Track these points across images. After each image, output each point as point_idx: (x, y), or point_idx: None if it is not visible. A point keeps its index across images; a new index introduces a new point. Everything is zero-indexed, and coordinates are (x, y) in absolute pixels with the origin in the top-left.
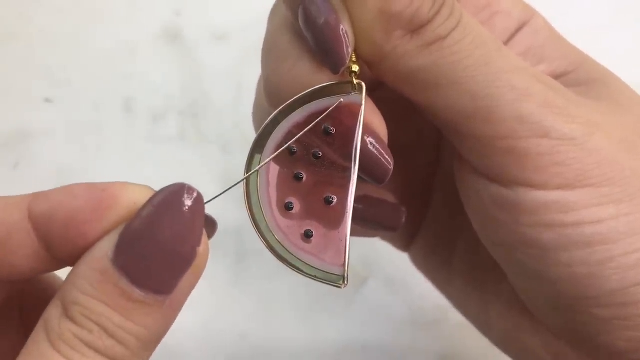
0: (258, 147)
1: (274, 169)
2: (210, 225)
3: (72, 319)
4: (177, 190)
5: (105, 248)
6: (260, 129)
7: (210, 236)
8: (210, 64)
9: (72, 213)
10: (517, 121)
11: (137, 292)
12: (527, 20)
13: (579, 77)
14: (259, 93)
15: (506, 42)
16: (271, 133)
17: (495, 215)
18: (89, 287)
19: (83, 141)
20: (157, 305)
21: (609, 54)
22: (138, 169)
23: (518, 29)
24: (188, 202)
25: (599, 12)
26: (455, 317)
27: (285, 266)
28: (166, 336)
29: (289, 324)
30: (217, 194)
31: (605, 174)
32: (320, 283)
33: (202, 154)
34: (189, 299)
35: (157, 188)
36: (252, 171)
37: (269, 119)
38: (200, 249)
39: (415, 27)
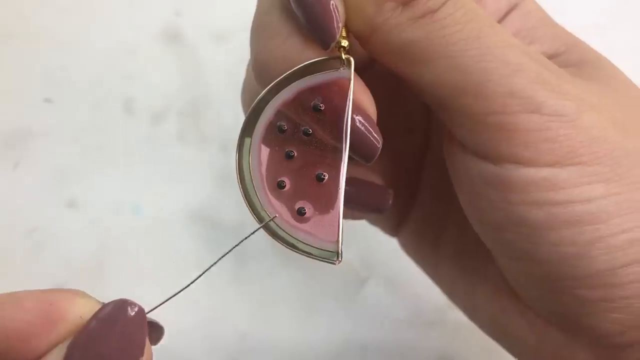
0: (248, 128)
1: (265, 148)
2: (157, 330)
3: None
4: (120, 306)
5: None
6: (250, 109)
7: (157, 340)
8: (210, 64)
9: (21, 327)
10: (508, 96)
11: None
12: (517, 2)
13: (571, 58)
14: (248, 74)
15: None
16: (261, 112)
17: (484, 194)
18: None
19: (83, 141)
20: None
21: (607, 53)
22: (138, 169)
23: (508, 11)
24: (130, 316)
25: (596, 12)
26: (454, 317)
27: (280, 244)
28: (166, 337)
29: (288, 324)
30: (162, 302)
31: (595, 152)
32: (315, 260)
33: (202, 153)
34: (189, 298)
35: (158, 188)
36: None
37: (257, 98)
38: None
39: None
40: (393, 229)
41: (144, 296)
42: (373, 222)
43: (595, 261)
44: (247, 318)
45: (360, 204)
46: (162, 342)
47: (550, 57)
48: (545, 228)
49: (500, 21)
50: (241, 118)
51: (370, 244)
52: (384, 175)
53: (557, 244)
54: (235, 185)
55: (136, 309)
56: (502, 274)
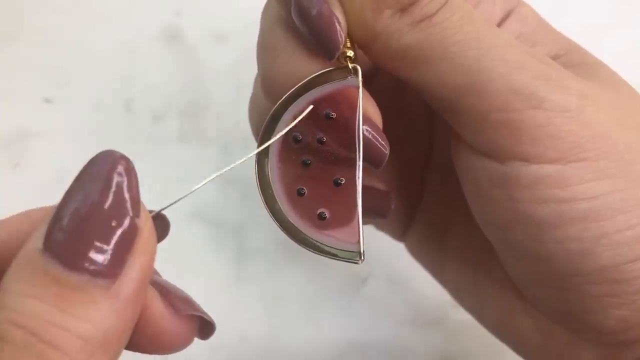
0: (264, 141)
1: (282, 159)
2: (161, 220)
3: None
4: (101, 158)
5: (34, 240)
6: (264, 124)
7: (161, 236)
8: (210, 64)
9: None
10: (510, 93)
11: (73, 276)
12: (512, 8)
13: (571, 59)
14: (256, 90)
15: None
16: (274, 128)
17: (491, 193)
18: (14, 284)
19: (83, 141)
20: (100, 293)
21: (609, 54)
22: (138, 169)
23: (504, 17)
24: (113, 169)
25: (599, 11)
26: (455, 316)
27: (304, 249)
28: None
29: (289, 324)
30: (177, 199)
31: (599, 147)
32: (338, 261)
33: (202, 154)
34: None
35: (158, 188)
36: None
37: (269, 114)
38: (141, 223)
39: (404, 5)
40: (399, 234)
41: None
42: (380, 227)
43: (600, 257)
44: (247, 318)
45: (364, 209)
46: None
47: (551, 58)
48: (551, 225)
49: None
50: (241, 118)
51: (370, 243)
52: (388, 181)
53: (563, 241)
54: (235, 184)
55: (122, 162)
56: (508, 275)
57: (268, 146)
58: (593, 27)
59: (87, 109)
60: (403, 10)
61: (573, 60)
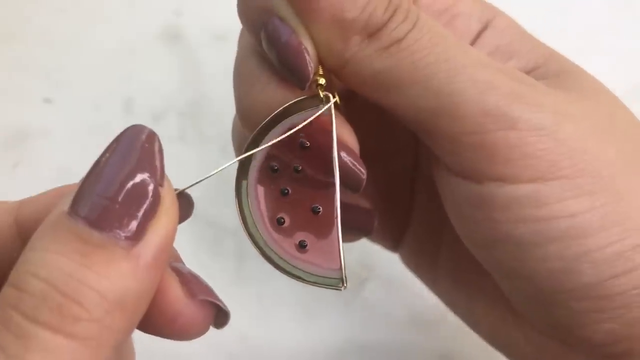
0: (242, 171)
1: (261, 188)
2: (186, 199)
3: (15, 285)
4: (131, 129)
5: (60, 205)
6: (242, 153)
7: (185, 215)
8: (210, 64)
9: None
10: (482, 115)
11: (96, 234)
12: (490, 20)
13: (549, 69)
14: (236, 118)
15: (471, 43)
16: (252, 155)
17: (470, 214)
18: (38, 242)
19: (83, 141)
20: (121, 253)
21: (609, 54)
22: None
23: (481, 30)
24: (142, 139)
25: (599, 12)
26: (454, 317)
27: (287, 277)
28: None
29: (289, 325)
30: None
31: (576, 164)
32: (322, 288)
33: (202, 154)
34: None
35: None
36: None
37: (247, 143)
38: (164, 192)
39: (371, 31)
40: (393, 246)
41: None
42: (373, 240)
43: (583, 275)
44: (247, 319)
45: (347, 227)
46: (160, 344)
47: (530, 70)
48: (531, 244)
49: (473, 41)
50: None
51: (369, 244)
52: (375, 195)
53: (544, 259)
54: (234, 185)
55: (146, 131)
56: (499, 289)
57: (247, 175)
58: (592, 30)
59: (87, 108)
60: (371, 35)
61: (552, 69)
